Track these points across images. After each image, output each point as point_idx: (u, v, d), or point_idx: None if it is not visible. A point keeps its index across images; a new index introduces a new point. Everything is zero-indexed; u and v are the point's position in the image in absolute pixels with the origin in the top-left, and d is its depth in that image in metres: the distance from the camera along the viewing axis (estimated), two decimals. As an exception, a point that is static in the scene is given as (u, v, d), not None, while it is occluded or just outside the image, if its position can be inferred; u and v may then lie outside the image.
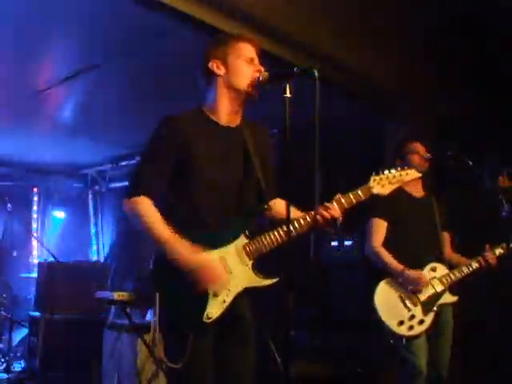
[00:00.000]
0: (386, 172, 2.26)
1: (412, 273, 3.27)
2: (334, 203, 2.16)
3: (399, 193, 3.59)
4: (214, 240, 2.12)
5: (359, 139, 6.13)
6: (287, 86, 1.99)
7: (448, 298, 3.37)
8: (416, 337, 3.26)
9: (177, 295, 2.04)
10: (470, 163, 3.40)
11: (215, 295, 2.04)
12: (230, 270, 2.10)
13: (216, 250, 2.11)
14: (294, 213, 2.25)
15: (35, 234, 8.51)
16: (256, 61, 2.25)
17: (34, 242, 8.39)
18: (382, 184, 2.23)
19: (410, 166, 3.49)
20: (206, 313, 2.02)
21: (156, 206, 2.13)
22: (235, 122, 2.31)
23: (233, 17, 3.53)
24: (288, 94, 1.99)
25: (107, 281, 6.88)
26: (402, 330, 3.24)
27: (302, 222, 2.15)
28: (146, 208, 2.10)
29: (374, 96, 4.75)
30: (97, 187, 8.69)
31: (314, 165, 1.93)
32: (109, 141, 7.01)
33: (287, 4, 3.76)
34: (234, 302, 2.08)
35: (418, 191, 3.63)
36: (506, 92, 4.80)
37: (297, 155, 2.12)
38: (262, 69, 2.21)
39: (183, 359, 1.96)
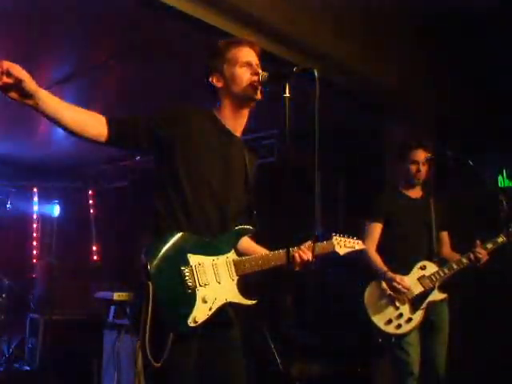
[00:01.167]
0: (345, 237, 2.56)
1: (392, 276, 3.29)
2: (305, 248, 2.24)
3: (396, 194, 3.60)
4: (206, 246, 2.08)
5: (359, 139, 6.13)
6: (287, 85, 1.97)
7: (437, 296, 3.36)
8: (405, 335, 3.27)
9: (167, 292, 1.94)
10: (470, 163, 3.39)
11: (204, 301, 1.99)
12: (219, 280, 2.06)
13: (209, 257, 2.07)
14: (259, 249, 2.33)
15: (35, 234, 8.51)
16: (254, 63, 2.20)
17: (34, 242, 8.39)
18: (340, 245, 2.53)
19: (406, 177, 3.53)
20: (192, 316, 1.95)
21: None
22: (239, 131, 2.28)
23: (233, 17, 3.53)
24: (287, 94, 1.98)
25: (107, 281, 6.89)
26: (390, 329, 3.26)
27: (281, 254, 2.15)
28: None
29: (374, 96, 4.75)
30: (97, 187, 8.68)
31: (314, 165, 1.92)
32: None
33: (287, 4, 3.76)
34: (218, 311, 2.03)
35: (415, 193, 3.61)
36: (506, 92, 4.80)
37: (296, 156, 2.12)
38: (260, 71, 2.17)
39: (162, 359, 1.91)
